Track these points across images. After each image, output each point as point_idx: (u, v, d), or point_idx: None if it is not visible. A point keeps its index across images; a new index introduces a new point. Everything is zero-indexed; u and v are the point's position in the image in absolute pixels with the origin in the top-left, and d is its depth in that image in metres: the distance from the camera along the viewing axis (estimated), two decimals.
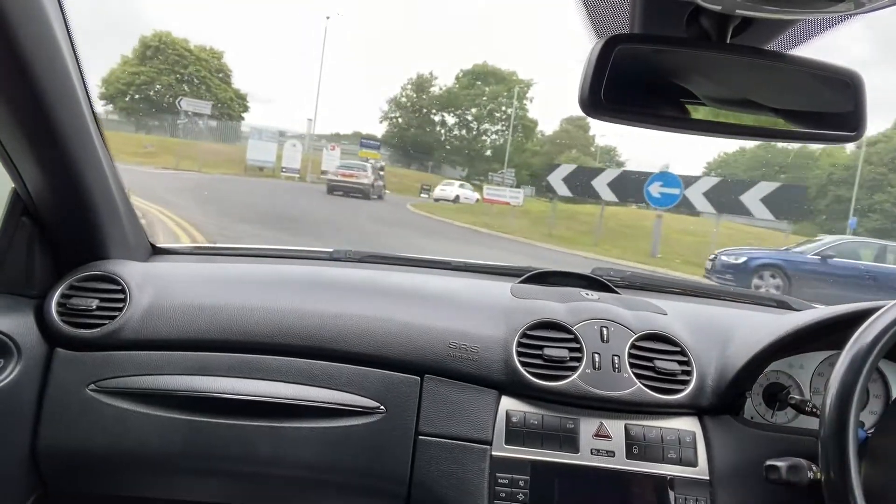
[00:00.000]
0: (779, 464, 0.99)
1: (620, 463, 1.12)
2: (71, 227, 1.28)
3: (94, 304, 1.24)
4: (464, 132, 47.81)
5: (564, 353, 1.18)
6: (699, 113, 0.87)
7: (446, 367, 1.21)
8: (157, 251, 1.55)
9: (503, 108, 46.76)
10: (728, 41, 0.77)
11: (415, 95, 48.07)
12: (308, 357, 1.22)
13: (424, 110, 47.99)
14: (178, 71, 37.65)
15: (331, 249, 1.67)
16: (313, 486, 1.21)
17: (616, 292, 1.49)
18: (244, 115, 41.26)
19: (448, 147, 47.62)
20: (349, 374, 1.21)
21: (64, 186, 1.18)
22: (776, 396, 1.19)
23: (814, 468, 0.99)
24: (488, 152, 46.67)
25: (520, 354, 1.19)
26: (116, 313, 1.23)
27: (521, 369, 1.17)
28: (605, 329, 1.23)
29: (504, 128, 46.30)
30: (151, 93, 37.93)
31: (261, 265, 1.55)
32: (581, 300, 1.34)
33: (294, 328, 1.23)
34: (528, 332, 1.22)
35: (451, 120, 47.66)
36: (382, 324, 1.25)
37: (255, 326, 1.24)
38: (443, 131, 48.26)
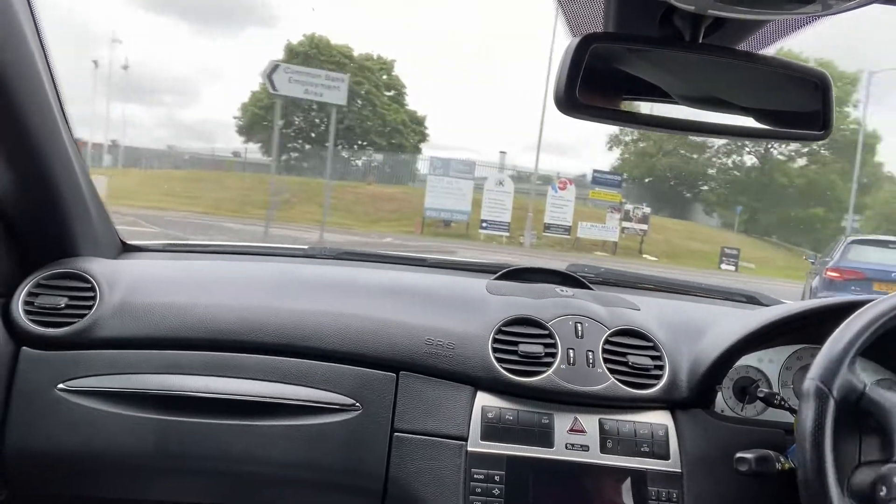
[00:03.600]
0: (748, 455, 1.02)
1: (595, 457, 1.13)
2: (38, 224, 1.25)
3: (63, 302, 1.21)
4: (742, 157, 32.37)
5: (539, 349, 1.19)
6: (672, 111, 0.88)
7: (422, 364, 1.21)
8: (127, 248, 1.52)
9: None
10: (700, 41, 0.78)
11: None
12: (282, 354, 1.21)
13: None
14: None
15: (305, 246, 1.66)
16: (289, 484, 1.21)
17: (590, 288, 1.50)
18: (421, 145, 30.42)
19: (718, 180, 33.08)
20: (324, 372, 1.20)
21: (31, 182, 1.16)
22: (746, 390, 1.21)
23: (782, 459, 1.02)
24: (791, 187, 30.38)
25: (495, 350, 1.20)
26: (86, 311, 1.21)
27: (497, 365, 1.18)
28: (579, 325, 1.24)
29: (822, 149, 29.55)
30: (297, 120, 28.84)
31: (234, 262, 1.54)
32: (556, 296, 1.35)
33: (268, 325, 1.22)
34: (504, 329, 1.23)
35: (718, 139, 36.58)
36: (358, 321, 1.25)
37: (228, 324, 1.22)
38: (708, 156, 33.12)
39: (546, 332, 1.22)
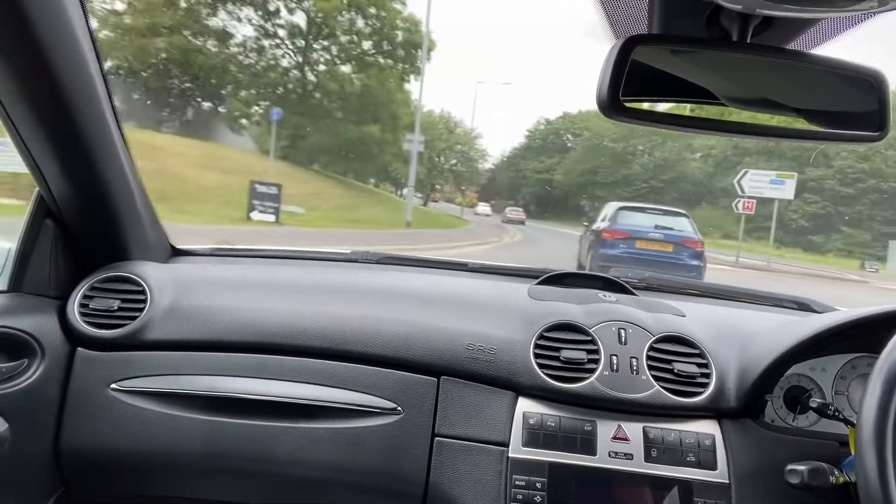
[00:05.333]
0: (800, 468, 0.98)
1: (638, 466, 1.11)
2: (93, 229, 1.30)
3: (116, 304, 1.25)
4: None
5: (582, 355, 1.18)
6: (718, 113, 0.86)
7: (463, 369, 1.20)
8: (177, 252, 1.56)
9: None
10: (749, 41, 0.76)
11: None
12: (326, 358, 1.22)
13: None
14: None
15: (348, 251, 1.68)
16: (330, 487, 1.22)
17: (633, 294, 1.48)
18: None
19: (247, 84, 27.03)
20: (367, 376, 1.21)
21: (86, 189, 1.20)
22: (797, 400, 1.17)
23: (836, 472, 0.98)
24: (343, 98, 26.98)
25: (537, 356, 1.19)
26: (137, 314, 1.25)
27: (539, 371, 1.17)
28: (622, 331, 1.22)
29: None
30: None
31: (279, 267, 1.56)
32: (598, 302, 1.34)
33: (312, 329, 1.24)
34: (546, 334, 1.22)
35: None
36: (400, 325, 1.25)
37: (274, 327, 1.24)
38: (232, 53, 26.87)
39: (589, 338, 1.21)
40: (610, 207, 9.56)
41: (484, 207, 41.55)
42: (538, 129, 50.86)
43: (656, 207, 9.78)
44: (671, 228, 8.73)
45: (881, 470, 0.82)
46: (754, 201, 16.25)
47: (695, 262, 8.50)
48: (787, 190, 16.62)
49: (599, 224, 9.23)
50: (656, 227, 8.74)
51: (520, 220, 33.67)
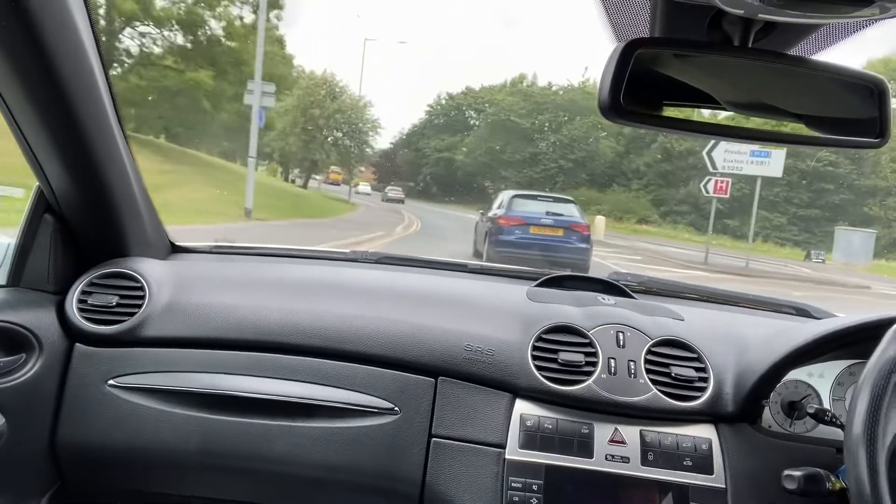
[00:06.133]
0: (796, 473, 0.98)
1: (635, 469, 1.11)
2: (92, 225, 1.30)
3: (114, 300, 1.25)
4: None
5: (580, 358, 1.18)
6: (720, 117, 0.86)
7: (461, 370, 1.21)
8: (176, 249, 1.56)
9: None
10: (750, 45, 0.76)
11: None
12: (324, 357, 1.22)
13: None
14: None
15: (347, 251, 1.68)
16: (327, 486, 1.22)
17: (633, 297, 1.48)
18: None
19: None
20: (364, 375, 1.21)
21: (86, 184, 1.20)
22: (795, 405, 1.17)
23: (832, 478, 0.98)
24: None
25: (535, 358, 1.19)
26: (136, 310, 1.25)
27: (537, 373, 1.17)
28: (621, 334, 1.22)
29: None
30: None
31: (278, 265, 1.57)
32: (597, 305, 1.34)
33: (310, 328, 1.24)
34: (544, 336, 1.22)
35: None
36: (398, 325, 1.25)
37: (272, 326, 1.24)
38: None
39: (587, 341, 1.21)
40: (504, 195, 10.23)
41: (364, 187, 41.24)
42: (440, 103, 48.22)
43: (547, 195, 10.61)
44: (561, 214, 9.48)
45: (872, 475, 0.83)
46: (729, 181, 13.61)
47: (583, 245, 9.24)
48: (775, 165, 13.68)
49: (496, 211, 9.80)
50: (547, 213, 9.43)
51: (399, 199, 33.70)
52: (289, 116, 27.61)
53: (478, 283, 1.53)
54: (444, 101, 48.45)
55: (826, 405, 1.18)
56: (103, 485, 1.30)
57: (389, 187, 37.81)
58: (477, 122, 44.91)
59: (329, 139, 28.77)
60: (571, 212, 9.66)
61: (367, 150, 31.17)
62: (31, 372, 1.15)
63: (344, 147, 29.48)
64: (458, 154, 42.28)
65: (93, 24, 1.05)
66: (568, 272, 1.56)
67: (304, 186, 31.59)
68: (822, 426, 1.15)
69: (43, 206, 1.24)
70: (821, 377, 1.19)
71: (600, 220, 19.70)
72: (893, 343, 0.89)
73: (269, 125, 23.11)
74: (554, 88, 41.22)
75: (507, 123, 39.04)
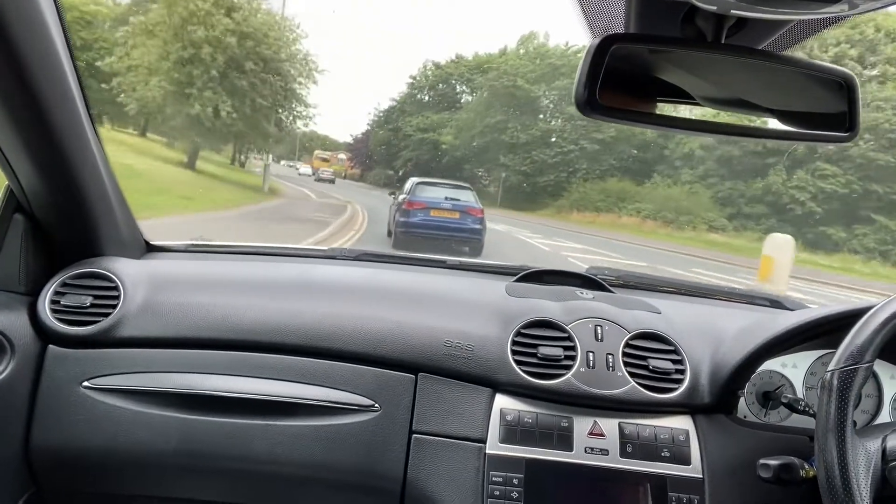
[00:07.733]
0: (771, 462, 1.00)
1: (614, 461, 1.12)
2: (65, 224, 1.28)
3: (88, 301, 1.23)
4: None
5: (559, 352, 1.19)
6: (694, 112, 0.87)
7: (441, 366, 1.21)
8: (151, 248, 1.54)
9: None
10: (723, 41, 0.78)
11: None
12: (303, 355, 1.22)
13: None
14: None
15: (325, 248, 1.67)
16: (308, 484, 1.21)
17: (611, 291, 1.49)
18: None
19: None
20: (344, 373, 1.20)
21: (58, 183, 1.18)
22: (769, 395, 1.19)
23: (806, 466, 1.00)
24: None
25: (514, 353, 1.19)
26: (110, 310, 1.23)
27: (516, 367, 1.17)
28: (599, 328, 1.23)
29: None
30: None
31: (255, 263, 1.55)
32: (575, 299, 1.35)
33: (288, 326, 1.23)
34: (523, 331, 1.22)
35: None
36: (377, 322, 1.25)
37: (250, 324, 1.23)
38: None
39: (566, 335, 1.22)
40: (410, 182, 11.36)
41: (305, 168, 41.74)
42: (425, 74, 41.99)
43: (446, 182, 11.77)
44: (458, 199, 10.66)
45: (841, 462, 0.85)
46: None
47: (477, 226, 10.41)
48: None
49: (404, 196, 10.83)
50: (446, 198, 10.62)
51: (329, 179, 33.79)
52: (156, 39, 16.84)
53: (457, 278, 1.53)
54: (430, 73, 42.41)
55: (799, 395, 1.20)
56: (79, 489, 1.28)
57: (322, 168, 36.04)
58: (469, 98, 38.45)
59: (220, 84, 16.69)
60: (468, 197, 10.88)
61: (295, 112, 19.06)
62: (3, 375, 1.13)
63: (251, 103, 17.49)
64: (444, 135, 35.63)
65: (63, 23, 1.03)
66: (547, 268, 1.56)
67: (192, 166, 19.12)
68: (795, 415, 1.17)
69: (13, 205, 1.21)
70: (794, 367, 1.21)
71: (785, 243, 8.99)
72: (861, 333, 0.92)
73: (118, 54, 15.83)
74: (573, 49, 32.16)
75: (513, 91, 31.19)
